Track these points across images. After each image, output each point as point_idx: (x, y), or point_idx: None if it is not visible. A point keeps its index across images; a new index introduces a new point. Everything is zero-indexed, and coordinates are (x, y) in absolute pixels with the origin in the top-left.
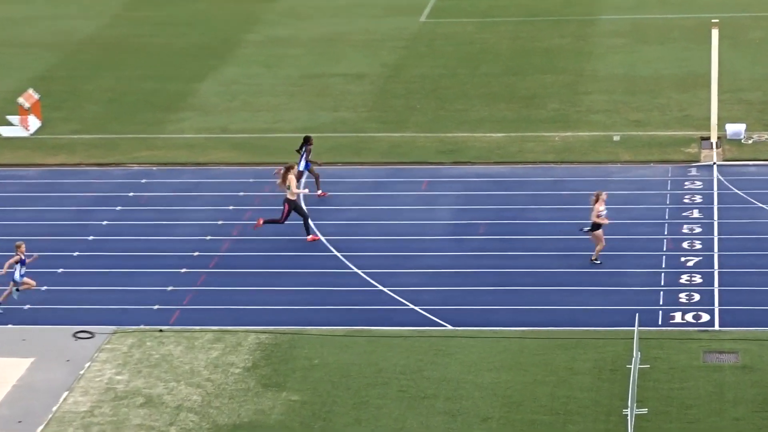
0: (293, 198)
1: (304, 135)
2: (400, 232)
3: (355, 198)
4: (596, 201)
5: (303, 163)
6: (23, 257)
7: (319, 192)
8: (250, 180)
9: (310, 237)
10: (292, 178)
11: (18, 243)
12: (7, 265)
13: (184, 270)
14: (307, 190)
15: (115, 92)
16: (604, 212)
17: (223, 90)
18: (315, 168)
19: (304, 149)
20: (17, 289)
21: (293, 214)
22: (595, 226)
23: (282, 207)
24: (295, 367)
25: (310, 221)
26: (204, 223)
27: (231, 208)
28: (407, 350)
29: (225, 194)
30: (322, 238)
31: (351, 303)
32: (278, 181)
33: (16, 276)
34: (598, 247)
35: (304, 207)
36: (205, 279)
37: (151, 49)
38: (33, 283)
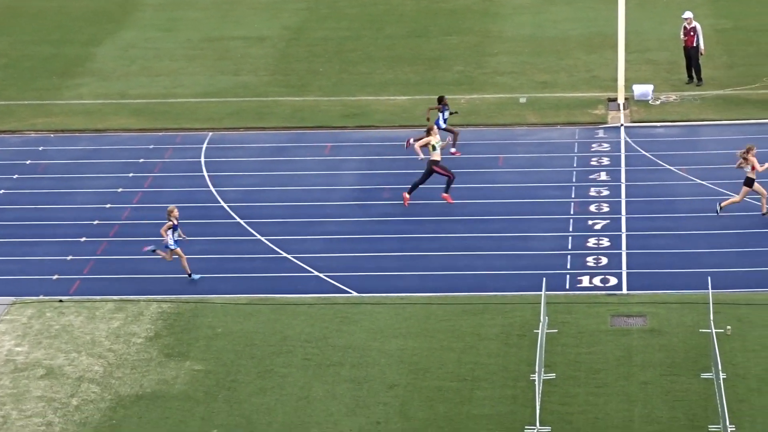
0: (437, 159)
1: (437, 96)
2: (304, 197)
3: (257, 164)
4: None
5: (442, 121)
6: (176, 223)
7: (453, 150)
8: (150, 146)
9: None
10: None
11: (170, 208)
12: (163, 231)
13: (83, 239)
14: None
15: (10, 57)
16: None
17: (120, 55)
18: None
19: (443, 108)
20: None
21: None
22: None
23: (436, 171)
24: (199, 337)
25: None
26: (103, 190)
27: (131, 175)
28: (312, 318)
29: (124, 161)
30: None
31: (254, 270)
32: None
33: (170, 242)
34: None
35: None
36: (105, 248)
37: (47, 13)
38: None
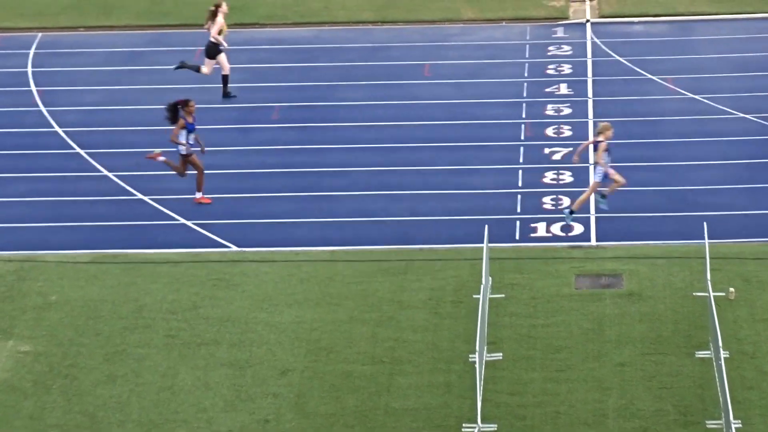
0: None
1: None
2: (165, 120)
3: (102, 75)
4: None
5: None
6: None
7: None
8: None
9: None
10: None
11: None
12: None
13: None
14: None
15: None
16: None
17: None
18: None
19: None
20: None
21: None
22: None
23: None
24: (25, 307)
25: None
26: None
27: None
28: (177, 281)
29: None
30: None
31: (99, 218)
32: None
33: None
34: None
35: None
36: None
37: None
38: None
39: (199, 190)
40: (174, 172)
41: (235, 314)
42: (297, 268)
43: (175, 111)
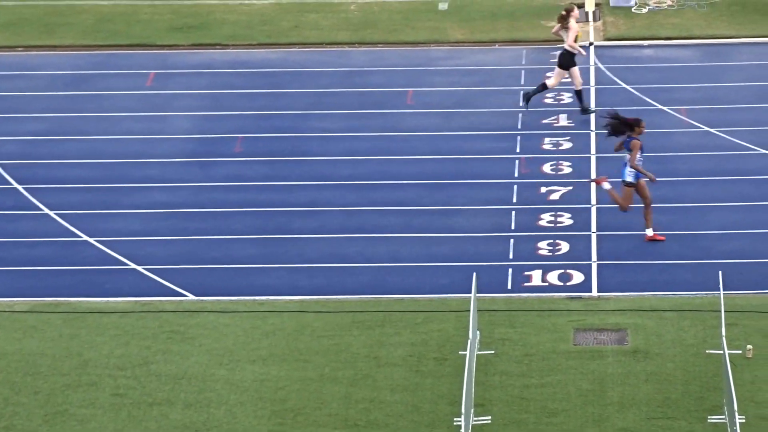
0: None
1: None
2: (115, 151)
3: (44, 101)
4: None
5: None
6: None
7: None
8: None
9: None
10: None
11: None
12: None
13: None
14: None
15: None
16: None
17: None
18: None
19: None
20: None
21: None
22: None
23: None
24: None
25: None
26: None
27: None
28: (126, 333)
29: None
30: None
31: (39, 261)
32: None
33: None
34: None
35: None
36: None
37: None
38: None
39: (648, 226)
40: (616, 205)
41: (191, 371)
42: (261, 320)
43: (625, 127)
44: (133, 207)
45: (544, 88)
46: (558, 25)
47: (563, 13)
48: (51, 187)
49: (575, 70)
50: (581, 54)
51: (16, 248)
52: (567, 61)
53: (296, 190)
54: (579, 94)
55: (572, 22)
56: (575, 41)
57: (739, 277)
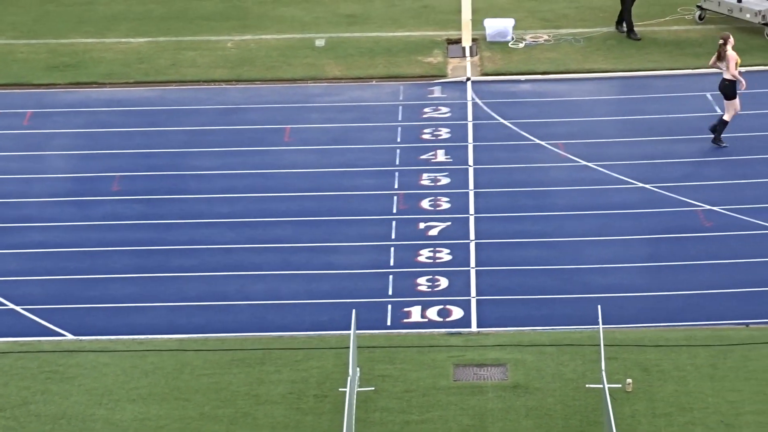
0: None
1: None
2: None
3: None
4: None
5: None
6: None
7: None
8: None
9: None
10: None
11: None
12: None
13: None
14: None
15: None
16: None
17: None
18: None
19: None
20: None
21: None
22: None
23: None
24: None
25: None
26: None
27: None
28: (4, 374)
29: None
30: None
31: None
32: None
33: None
34: None
35: None
36: None
37: None
38: None
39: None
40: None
41: (70, 411)
42: (141, 359)
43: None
44: (9, 247)
45: (724, 124)
46: (714, 57)
47: (720, 42)
48: None
49: (736, 101)
50: (741, 83)
51: None
52: (731, 91)
53: (174, 228)
54: (724, 125)
55: (730, 51)
56: (735, 68)
57: (617, 311)
